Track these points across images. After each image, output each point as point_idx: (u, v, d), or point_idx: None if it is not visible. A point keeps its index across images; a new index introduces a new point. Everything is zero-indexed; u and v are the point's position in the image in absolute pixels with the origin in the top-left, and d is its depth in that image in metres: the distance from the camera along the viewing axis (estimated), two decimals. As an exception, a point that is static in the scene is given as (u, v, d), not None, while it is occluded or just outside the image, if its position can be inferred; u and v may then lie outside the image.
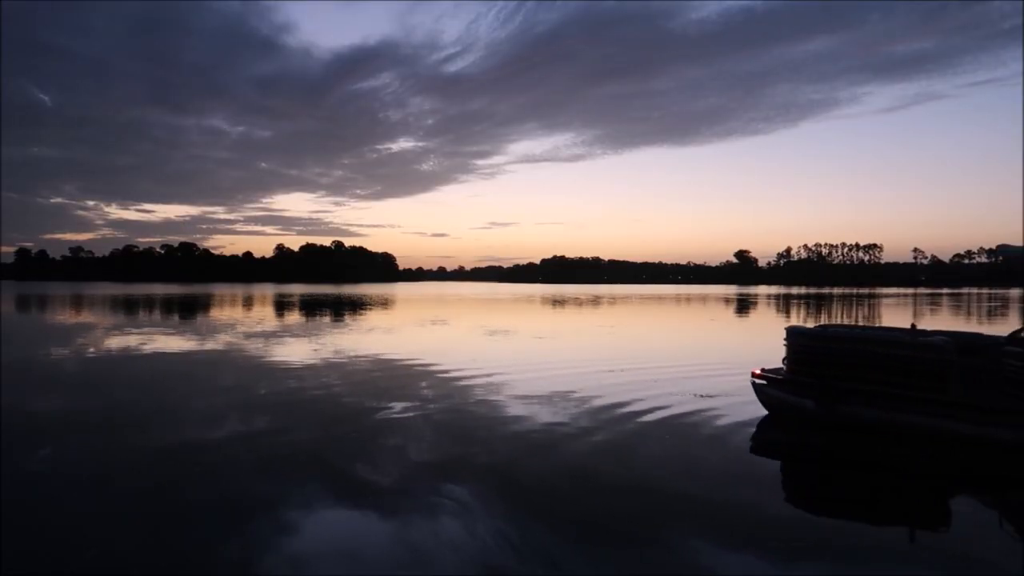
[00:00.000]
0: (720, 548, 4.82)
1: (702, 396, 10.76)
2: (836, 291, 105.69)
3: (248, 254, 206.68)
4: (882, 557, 4.77)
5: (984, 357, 8.55)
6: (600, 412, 9.65)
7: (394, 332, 24.30)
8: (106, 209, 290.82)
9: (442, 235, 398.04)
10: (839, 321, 32.06)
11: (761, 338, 23.39)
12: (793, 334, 9.38)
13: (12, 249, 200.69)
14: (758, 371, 9.94)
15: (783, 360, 9.50)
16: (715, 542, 4.92)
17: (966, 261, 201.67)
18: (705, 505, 5.72)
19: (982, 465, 7.17)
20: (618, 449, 7.58)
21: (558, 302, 55.56)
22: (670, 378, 12.69)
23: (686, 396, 10.87)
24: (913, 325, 9.58)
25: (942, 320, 31.40)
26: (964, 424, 7.78)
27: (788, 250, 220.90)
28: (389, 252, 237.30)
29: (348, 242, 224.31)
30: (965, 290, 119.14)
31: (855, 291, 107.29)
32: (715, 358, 11.40)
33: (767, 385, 9.69)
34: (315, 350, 17.51)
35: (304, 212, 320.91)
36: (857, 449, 7.84)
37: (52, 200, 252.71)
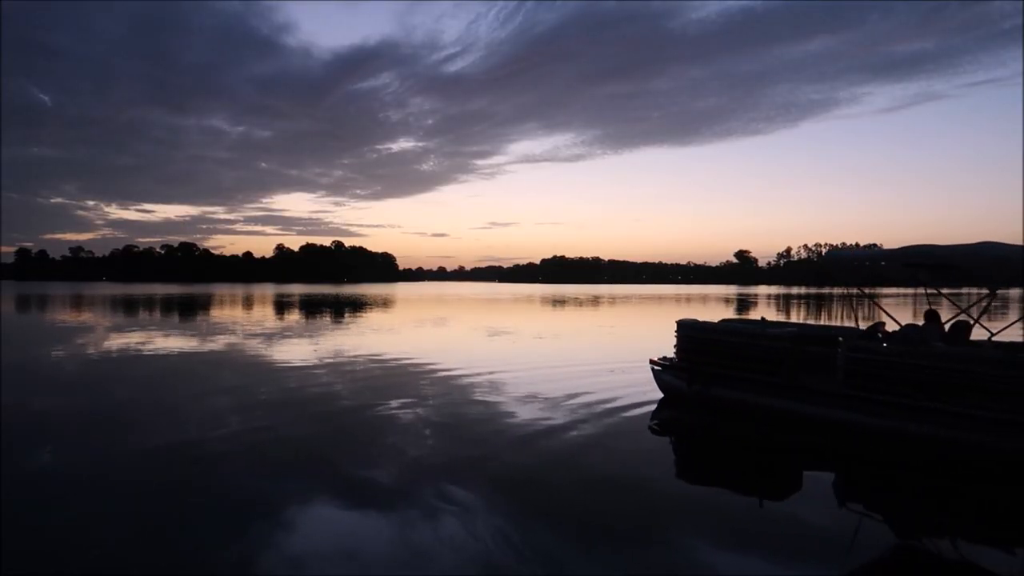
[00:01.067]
0: (612, 513, 5.64)
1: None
2: (836, 291, 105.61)
3: (248, 254, 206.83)
4: (733, 520, 5.58)
5: (823, 347, 9.47)
6: (578, 405, 9.99)
7: (394, 332, 24.32)
8: (106, 209, 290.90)
9: (442, 235, 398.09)
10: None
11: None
12: (680, 326, 10.61)
13: (12, 249, 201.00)
14: (655, 359, 11.10)
15: (674, 348, 10.67)
16: (609, 507, 5.78)
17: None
18: (608, 479, 6.58)
19: (831, 442, 8.11)
20: (563, 434, 8.35)
21: (558, 302, 55.58)
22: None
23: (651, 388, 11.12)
24: (763, 318, 11.07)
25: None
26: (797, 404, 8.88)
27: (788, 250, 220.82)
28: (389, 252, 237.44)
29: (348, 242, 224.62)
30: (965, 290, 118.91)
31: (855, 291, 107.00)
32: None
33: (661, 371, 10.88)
34: (315, 350, 17.53)
35: (304, 212, 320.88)
36: (728, 426, 9.02)
37: (52, 200, 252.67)
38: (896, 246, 9.07)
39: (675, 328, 10.62)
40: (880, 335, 9.12)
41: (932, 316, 9.00)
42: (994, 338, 9.08)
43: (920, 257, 8.59)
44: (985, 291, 9.76)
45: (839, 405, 8.41)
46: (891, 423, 7.92)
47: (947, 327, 9.07)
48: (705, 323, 10.64)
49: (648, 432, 8.77)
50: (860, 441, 8.03)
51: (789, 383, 8.98)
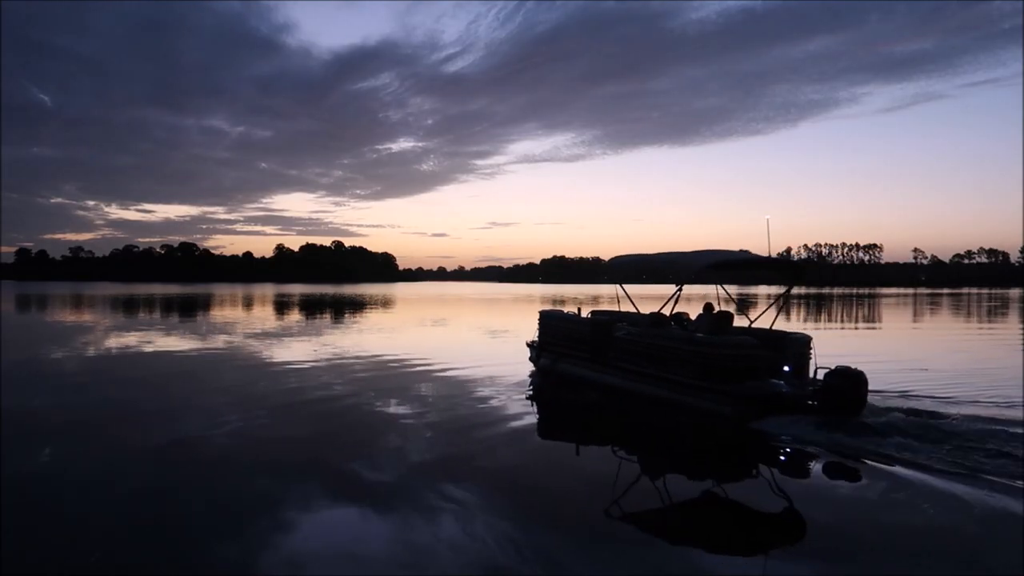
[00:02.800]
0: (488, 458, 7.38)
1: None
2: (836, 291, 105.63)
3: (248, 254, 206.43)
4: (551, 463, 7.36)
5: (610, 330, 11.49)
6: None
7: (393, 332, 24.34)
8: (106, 209, 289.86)
9: (442, 235, 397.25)
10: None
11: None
12: (540, 315, 13.66)
13: (12, 249, 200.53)
14: (529, 341, 14.01)
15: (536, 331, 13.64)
16: (484, 453, 7.58)
17: (966, 261, 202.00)
18: (486, 433, 8.52)
19: (617, 402, 10.56)
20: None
21: (558, 302, 55.55)
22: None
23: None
24: (579, 309, 13.63)
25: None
26: (597, 375, 11.41)
27: (788, 250, 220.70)
28: (389, 252, 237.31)
29: (348, 242, 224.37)
30: (965, 290, 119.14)
31: (855, 291, 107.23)
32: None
33: (531, 349, 13.78)
34: (315, 350, 17.54)
35: (304, 212, 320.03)
36: (569, 392, 11.49)
37: (52, 200, 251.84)
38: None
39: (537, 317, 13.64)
40: (685, 322, 11.47)
41: (707, 307, 11.12)
42: (753, 325, 11.21)
43: (650, 264, 11.98)
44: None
45: (613, 374, 11.03)
46: (635, 386, 10.54)
47: (714, 316, 10.96)
48: (552, 312, 13.54)
49: (523, 398, 10.94)
50: (626, 400, 10.49)
51: (591, 359, 11.59)
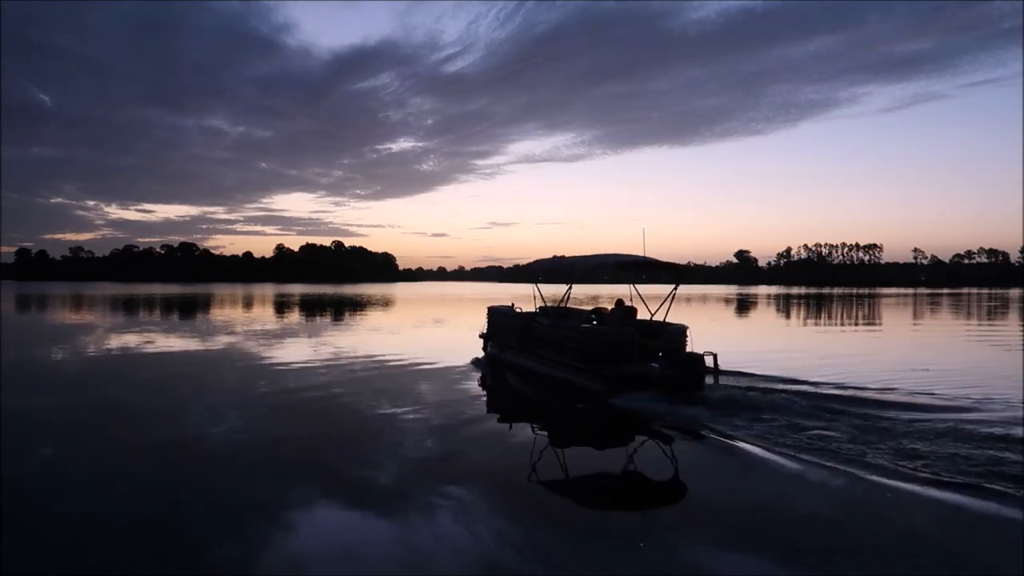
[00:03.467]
0: (435, 434, 8.52)
1: None
2: (836, 291, 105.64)
3: (248, 254, 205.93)
4: (487, 438, 8.35)
5: (534, 324, 13.36)
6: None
7: (392, 332, 24.33)
8: (106, 209, 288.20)
9: (442, 235, 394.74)
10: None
11: (753, 339, 23.37)
12: (488, 310, 15.96)
13: (12, 249, 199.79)
14: (480, 332, 16.13)
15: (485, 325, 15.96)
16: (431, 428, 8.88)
17: (966, 261, 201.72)
18: (439, 414, 9.80)
19: (543, 386, 12.12)
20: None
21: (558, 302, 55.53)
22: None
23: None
24: (512, 304, 15.62)
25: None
26: (526, 363, 13.34)
27: (788, 250, 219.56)
28: (389, 252, 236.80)
29: (348, 242, 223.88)
30: (965, 290, 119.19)
31: (855, 291, 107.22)
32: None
33: (483, 340, 15.96)
34: (314, 350, 17.54)
35: (304, 212, 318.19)
36: (510, 378, 13.19)
37: (52, 200, 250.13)
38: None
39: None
40: (603, 315, 13.03)
41: (618, 303, 12.83)
42: (654, 318, 12.57)
43: (557, 266, 14.56)
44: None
45: (534, 360, 13.00)
46: (546, 370, 12.45)
47: (622, 311, 12.64)
48: (497, 308, 15.69)
49: (476, 385, 12.43)
50: (543, 383, 12.17)
51: (522, 348, 13.49)
